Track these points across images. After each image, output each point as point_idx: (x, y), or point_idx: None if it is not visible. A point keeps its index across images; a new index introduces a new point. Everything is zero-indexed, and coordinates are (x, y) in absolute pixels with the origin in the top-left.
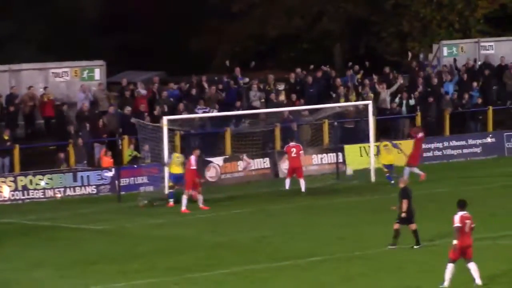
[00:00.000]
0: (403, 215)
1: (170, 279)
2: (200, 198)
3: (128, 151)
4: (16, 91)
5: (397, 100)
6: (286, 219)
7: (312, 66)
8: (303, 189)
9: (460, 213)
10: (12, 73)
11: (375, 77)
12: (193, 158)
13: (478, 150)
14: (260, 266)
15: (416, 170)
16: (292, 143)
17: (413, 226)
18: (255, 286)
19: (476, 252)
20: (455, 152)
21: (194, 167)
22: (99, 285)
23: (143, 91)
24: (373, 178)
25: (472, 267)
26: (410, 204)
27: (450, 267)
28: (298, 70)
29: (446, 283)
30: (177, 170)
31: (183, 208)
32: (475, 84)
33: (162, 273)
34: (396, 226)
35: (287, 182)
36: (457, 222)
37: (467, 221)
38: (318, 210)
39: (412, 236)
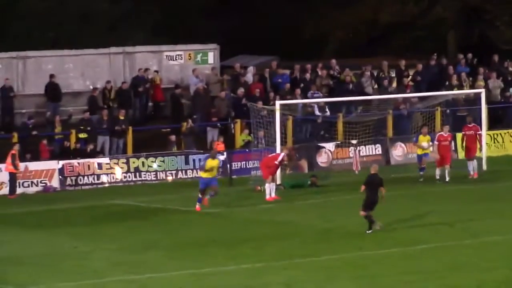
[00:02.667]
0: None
1: (279, 263)
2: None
3: (242, 136)
4: (142, 74)
5: (511, 90)
6: (396, 206)
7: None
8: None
9: None
10: (126, 55)
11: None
12: (282, 155)
13: None
14: (367, 253)
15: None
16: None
17: (363, 212)
18: (362, 272)
19: None
20: None
21: (277, 163)
22: (209, 267)
23: (250, 75)
24: (484, 167)
25: None
26: (373, 192)
27: None
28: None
29: None
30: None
31: (268, 196)
32: None
33: (271, 258)
34: (362, 213)
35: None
36: None
37: None
38: (428, 197)
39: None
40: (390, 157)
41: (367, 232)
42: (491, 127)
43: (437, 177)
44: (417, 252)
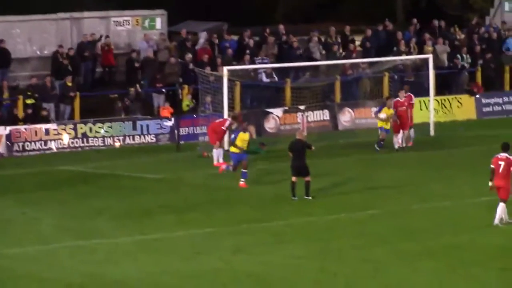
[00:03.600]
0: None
1: (228, 229)
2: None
3: (185, 101)
4: (86, 39)
5: (458, 56)
6: (344, 172)
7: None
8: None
9: (497, 155)
10: (74, 21)
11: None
12: (228, 121)
13: None
14: (316, 218)
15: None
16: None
17: (293, 178)
18: (311, 237)
19: None
20: None
21: (224, 129)
22: (158, 233)
23: (203, 41)
24: (432, 133)
25: (499, 208)
26: (297, 157)
27: (499, 206)
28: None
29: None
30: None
31: (216, 162)
32: None
33: (220, 223)
34: (293, 179)
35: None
36: (492, 164)
37: (501, 162)
38: (377, 163)
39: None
40: (338, 123)
41: (292, 198)
42: (438, 92)
43: (396, 145)
44: (366, 217)
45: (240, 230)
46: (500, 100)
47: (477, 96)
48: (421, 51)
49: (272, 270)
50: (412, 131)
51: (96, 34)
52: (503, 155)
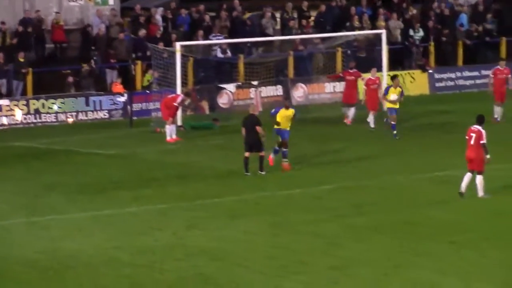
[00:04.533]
0: (264, 139)
1: (181, 204)
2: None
3: (147, 76)
4: (29, 15)
5: (411, 31)
6: (298, 147)
7: None
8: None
9: (471, 127)
10: None
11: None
12: (181, 96)
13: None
14: (270, 194)
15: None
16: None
17: (246, 153)
18: (264, 212)
19: None
20: (467, 82)
21: (176, 105)
22: (111, 209)
23: (158, 17)
24: (385, 108)
25: (477, 180)
26: (250, 133)
27: (467, 176)
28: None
29: (462, 189)
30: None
31: (168, 137)
32: (489, 15)
33: (173, 199)
34: (246, 154)
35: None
36: (466, 135)
37: (472, 134)
38: (330, 138)
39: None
40: (291, 98)
41: (245, 174)
42: (391, 68)
43: (371, 124)
44: (319, 192)
45: (194, 205)
46: (453, 75)
47: (430, 71)
48: (374, 27)
49: (225, 245)
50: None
51: (41, 11)
52: (476, 127)
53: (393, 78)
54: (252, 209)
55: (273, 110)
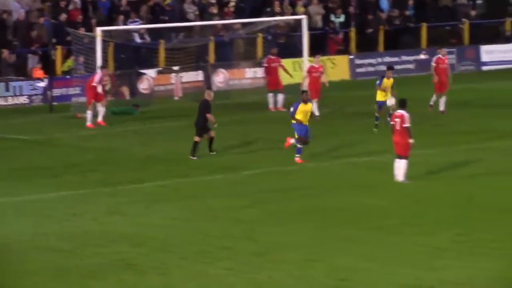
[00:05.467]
0: (215, 125)
1: (102, 190)
2: (101, 111)
3: (68, 62)
4: None
5: (332, 16)
6: (218, 133)
7: None
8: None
9: (396, 112)
10: None
11: None
12: (99, 74)
13: (411, 66)
14: (191, 179)
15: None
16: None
17: (196, 138)
18: (186, 198)
19: None
20: None
21: (95, 85)
22: (31, 195)
23: (78, 2)
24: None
25: (396, 164)
26: (198, 117)
27: (396, 162)
28: None
29: (396, 177)
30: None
31: (89, 123)
32: (410, 1)
33: (94, 184)
34: (196, 139)
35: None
36: (407, 123)
37: (396, 119)
38: (251, 123)
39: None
40: (212, 84)
41: (190, 157)
42: (312, 53)
43: (316, 112)
44: (241, 178)
45: (114, 191)
46: (373, 61)
47: (351, 56)
48: (294, 12)
49: (146, 231)
50: (281, 95)
51: None
52: (400, 112)
53: (389, 68)
54: (173, 194)
55: (291, 109)
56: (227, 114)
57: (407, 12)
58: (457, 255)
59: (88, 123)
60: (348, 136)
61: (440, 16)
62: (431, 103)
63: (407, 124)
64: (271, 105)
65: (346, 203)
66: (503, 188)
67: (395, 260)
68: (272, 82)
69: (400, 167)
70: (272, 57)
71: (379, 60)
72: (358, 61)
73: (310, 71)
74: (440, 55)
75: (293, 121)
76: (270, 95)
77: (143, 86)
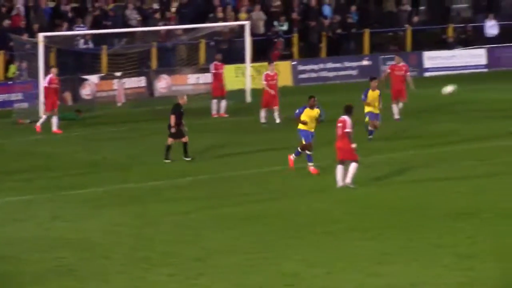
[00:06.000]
0: (173, 130)
1: (46, 195)
2: (55, 121)
3: (12, 67)
4: None
5: (275, 22)
6: (161, 139)
7: None
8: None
9: (340, 117)
10: None
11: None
12: (48, 77)
13: (354, 72)
14: (134, 185)
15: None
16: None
17: (184, 139)
18: (130, 203)
19: None
20: (331, 74)
21: (47, 85)
22: None
23: (21, 7)
24: (249, 99)
25: (338, 170)
26: (179, 120)
27: (338, 168)
28: None
29: (339, 183)
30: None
31: (55, 128)
32: (353, 7)
33: (38, 190)
34: (169, 141)
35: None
36: (348, 128)
37: (339, 124)
38: (196, 129)
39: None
40: (154, 89)
41: (165, 161)
42: (255, 59)
43: (262, 120)
44: (185, 183)
45: (58, 196)
46: (316, 67)
47: (294, 63)
48: (238, 18)
49: (89, 236)
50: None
51: None
52: (343, 117)
53: (372, 79)
54: (116, 200)
55: (297, 111)
56: (166, 120)
57: (350, 19)
58: (404, 260)
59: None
60: (293, 142)
61: (383, 22)
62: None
63: (348, 130)
64: (214, 111)
65: (292, 208)
66: (451, 193)
67: (342, 265)
68: (217, 88)
69: (349, 170)
70: (218, 63)
71: (322, 66)
72: (300, 67)
73: (266, 79)
74: (394, 62)
75: (300, 127)
76: (214, 101)
77: (86, 92)
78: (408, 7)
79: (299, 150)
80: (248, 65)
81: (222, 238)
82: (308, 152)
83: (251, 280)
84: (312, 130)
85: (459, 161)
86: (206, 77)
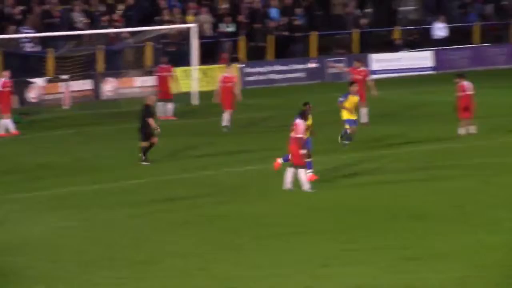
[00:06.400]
0: (157, 131)
1: None
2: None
3: None
4: None
5: (221, 24)
6: (108, 142)
7: None
8: None
9: (301, 122)
10: None
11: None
12: (2, 80)
13: (301, 75)
14: (81, 188)
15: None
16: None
17: (153, 140)
18: (77, 207)
19: None
20: (278, 76)
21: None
22: None
23: None
24: (196, 101)
25: (288, 173)
26: (141, 122)
27: (288, 170)
28: None
29: (286, 185)
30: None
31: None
32: (299, 9)
33: None
34: (143, 144)
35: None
36: (299, 133)
37: (293, 127)
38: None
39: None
40: (101, 92)
41: (142, 163)
42: (202, 62)
43: (224, 123)
44: (130, 186)
45: (4, 200)
46: (263, 70)
47: (241, 65)
48: (185, 21)
49: (37, 239)
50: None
51: None
52: (296, 121)
53: (351, 83)
54: (61, 203)
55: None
56: (116, 123)
57: (297, 21)
58: (344, 263)
59: (13, 131)
60: (237, 145)
61: (330, 25)
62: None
63: (298, 134)
64: (160, 114)
65: (234, 211)
66: (398, 195)
67: (283, 268)
68: (163, 91)
69: (289, 176)
70: (164, 66)
71: (269, 68)
72: (248, 70)
73: (223, 81)
74: (354, 66)
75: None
76: (160, 104)
77: (32, 94)
78: (355, 10)
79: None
80: (195, 68)
81: (163, 241)
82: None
83: (195, 284)
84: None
85: (406, 163)
86: (153, 80)
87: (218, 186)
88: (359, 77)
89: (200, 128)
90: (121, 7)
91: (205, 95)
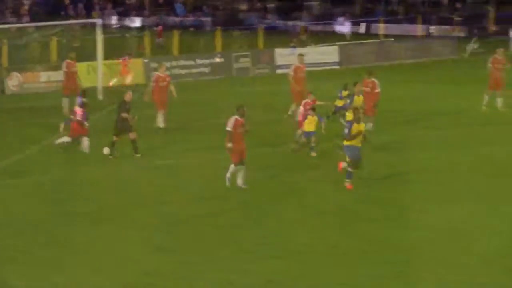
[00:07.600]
0: (132, 122)
1: None
2: None
3: None
4: None
5: (128, 20)
6: (12, 137)
7: None
8: None
9: (233, 117)
10: None
11: None
12: None
13: (206, 70)
14: (19, 181)
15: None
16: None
17: (132, 135)
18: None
19: None
20: (183, 71)
21: None
22: None
23: None
24: (100, 97)
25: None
26: (117, 118)
27: (231, 168)
28: None
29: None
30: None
31: None
32: (205, 6)
33: None
34: (114, 138)
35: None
36: (228, 126)
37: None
38: (44, 127)
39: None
40: (5, 87)
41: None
42: (107, 56)
43: (160, 124)
44: (31, 182)
45: None
46: (168, 64)
47: (146, 60)
48: (90, 16)
49: None
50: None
51: None
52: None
53: (345, 85)
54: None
55: (346, 130)
56: (23, 117)
57: (202, 17)
58: (256, 258)
59: None
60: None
61: (235, 21)
62: (290, 112)
63: (228, 128)
64: (66, 109)
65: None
66: (319, 192)
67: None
68: (69, 87)
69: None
70: (71, 61)
71: (174, 63)
72: (153, 65)
73: (157, 80)
74: (298, 63)
75: (345, 143)
76: (66, 99)
77: None
78: (259, 6)
79: (350, 170)
80: (100, 63)
81: (80, 238)
82: (350, 169)
83: (115, 279)
84: (359, 145)
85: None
86: (58, 75)
87: (125, 185)
88: (302, 74)
89: (107, 124)
90: (27, 2)
91: (109, 90)
